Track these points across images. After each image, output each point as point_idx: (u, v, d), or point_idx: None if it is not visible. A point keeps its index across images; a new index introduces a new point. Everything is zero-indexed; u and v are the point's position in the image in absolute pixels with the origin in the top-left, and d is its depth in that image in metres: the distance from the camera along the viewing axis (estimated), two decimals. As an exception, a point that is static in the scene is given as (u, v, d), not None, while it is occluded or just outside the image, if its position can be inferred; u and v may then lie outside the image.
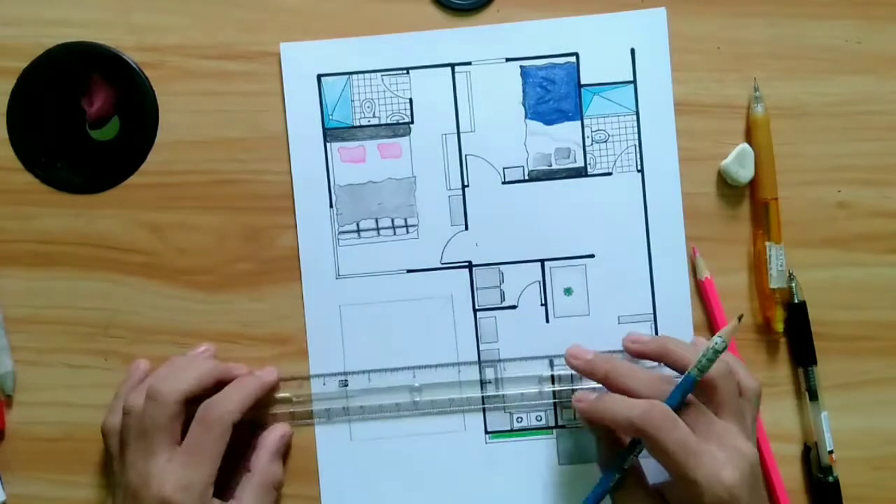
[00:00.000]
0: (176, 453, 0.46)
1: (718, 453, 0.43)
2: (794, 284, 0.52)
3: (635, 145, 0.53)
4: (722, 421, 0.45)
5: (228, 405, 0.47)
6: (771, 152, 0.52)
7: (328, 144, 0.53)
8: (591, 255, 0.53)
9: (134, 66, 0.53)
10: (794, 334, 0.53)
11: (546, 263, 0.53)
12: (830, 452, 0.52)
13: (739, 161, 0.52)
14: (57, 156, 0.53)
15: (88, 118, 0.53)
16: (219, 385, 0.49)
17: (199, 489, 0.46)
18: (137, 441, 0.46)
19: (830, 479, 0.52)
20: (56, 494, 0.52)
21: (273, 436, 0.51)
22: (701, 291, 0.53)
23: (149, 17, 0.53)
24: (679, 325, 0.53)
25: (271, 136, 0.53)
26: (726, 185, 0.53)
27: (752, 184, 0.53)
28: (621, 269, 0.53)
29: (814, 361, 0.52)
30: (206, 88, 0.53)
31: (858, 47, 0.53)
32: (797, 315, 0.53)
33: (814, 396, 0.52)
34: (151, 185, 0.53)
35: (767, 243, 0.52)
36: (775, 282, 0.52)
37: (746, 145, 0.52)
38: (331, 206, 0.53)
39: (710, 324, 0.53)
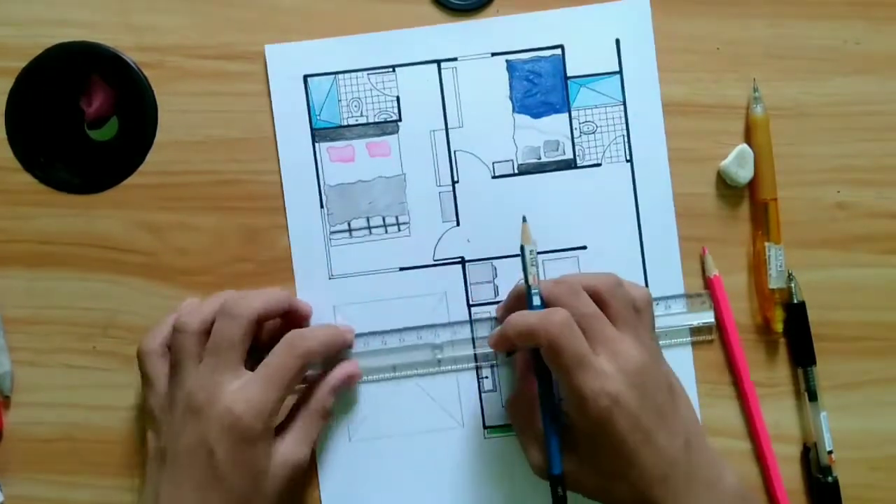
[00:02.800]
0: (250, 374, 0.46)
1: (608, 365, 0.44)
2: (793, 284, 0.52)
3: (623, 135, 0.53)
4: (616, 330, 0.45)
5: (318, 339, 0.48)
6: (770, 153, 0.52)
7: (316, 144, 0.53)
8: (584, 247, 0.53)
9: (133, 66, 0.53)
10: (793, 334, 0.53)
11: (539, 256, 0.53)
12: (830, 453, 0.52)
13: (739, 161, 0.52)
14: (56, 156, 0.53)
15: (87, 118, 0.53)
16: (287, 321, 0.50)
17: (268, 412, 0.45)
18: (208, 356, 0.46)
19: (830, 479, 0.52)
20: (55, 495, 0.52)
21: (340, 372, 0.51)
22: (709, 289, 0.53)
23: (148, 17, 0.53)
24: (672, 313, 0.52)
25: (271, 137, 0.53)
26: (726, 186, 0.53)
27: (752, 184, 0.53)
28: (614, 259, 0.53)
29: (813, 362, 0.52)
30: (205, 89, 0.53)
31: (858, 47, 0.53)
32: (796, 315, 0.53)
33: (813, 397, 0.52)
34: (150, 186, 0.53)
35: (767, 244, 0.52)
36: (774, 282, 0.52)
37: (746, 146, 0.52)
38: (321, 206, 0.53)
39: (718, 321, 0.53)
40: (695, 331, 0.53)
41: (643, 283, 0.53)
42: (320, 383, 0.50)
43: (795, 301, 0.52)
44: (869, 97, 0.53)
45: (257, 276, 0.53)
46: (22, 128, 0.53)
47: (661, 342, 0.51)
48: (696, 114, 0.53)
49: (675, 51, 0.53)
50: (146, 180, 0.53)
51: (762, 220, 0.52)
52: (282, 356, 0.47)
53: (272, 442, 0.47)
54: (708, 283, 0.53)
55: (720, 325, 0.53)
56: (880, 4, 0.53)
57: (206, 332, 0.47)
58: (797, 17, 0.53)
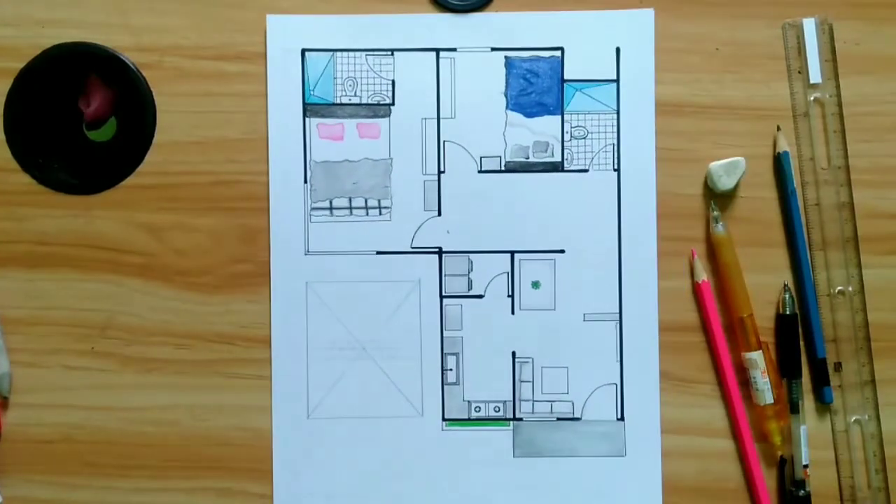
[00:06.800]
0: None
1: None
2: (787, 296, 0.52)
3: (613, 144, 0.53)
4: None
5: None
6: (739, 271, 0.52)
7: (307, 119, 0.53)
8: (562, 251, 0.53)
9: (131, 66, 0.53)
10: (782, 346, 0.52)
11: (516, 255, 0.53)
12: (805, 467, 0.51)
13: (728, 168, 0.52)
14: (54, 156, 0.53)
15: (86, 119, 0.53)
16: None
17: None
18: None
19: (802, 493, 0.51)
20: (53, 496, 0.52)
21: None
22: (697, 294, 0.53)
23: (146, 17, 0.53)
24: (644, 326, 0.53)
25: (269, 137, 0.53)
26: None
27: (726, 300, 0.52)
28: (590, 266, 0.53)
29: (799, 374, 0.52)
30: (204, 89, 0.53)
31: (858, 48, 0.53)
32: (787, 327, 0.52)
33: (794, 409, 0.52)
34: (149, 186, 0.53)
35: (745, 355, 0.52)
36: (761, 398, 0.51)
37: (742, 160, 0.52)
38: (305, 181, 0.53)
39: (704, 326, 0.53)
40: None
41: (616, 294, 0.52)
42: None
43: (788, 312, 0.52)
44: (870, 97, 0.53)
45: (256, 276, 0.53)
46: (20, 128, 0.53)
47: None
48: (696, 114, 0.53)
49: (676, 51, 0.53)
50: (145, 181, 0.53)
51: (740, 333, 0.52)
52: None
53: None
54: (696, 288, 0.53)
55: (707, 331, 0.53)
56: (880, 5, 0.53)
57: None
58: (797, 18, 0.53)
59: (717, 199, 0.53)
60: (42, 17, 0.53)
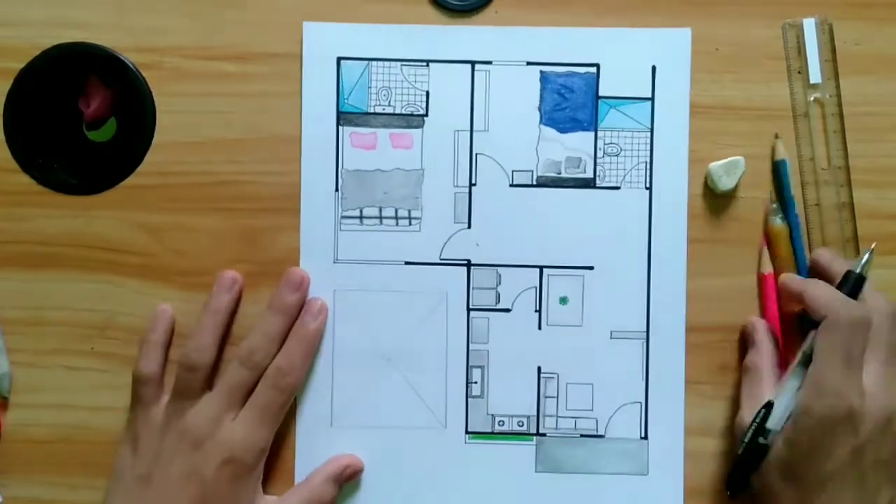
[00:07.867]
0: (243, 411, 0.49)
1: (868, 384, 0.45)
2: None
3: (646, 162, 0.53)
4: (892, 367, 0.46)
5: (299, 370, 0.50)
6: (792, 264, 0.52)
7: (340, 128, 0.53)
8: (591, 267, 0.53)
9: (131, 66, 0.53)
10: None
11: (545, 270, 0.53)
12: None
13: (727, 168, 0.52)
14: (54, 157, 0.53)
15: (85, 119, 0.53)
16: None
17: (259, 448, 0.49)
18: (217, 395, 0.49)
19: None
20: (53, 497, 0.52)
21: (338, 462, 0.51)
22: (760, 286, 0.52)
23: (146, 18, 0.53)
24: (671, 345, 0.52)
25: (269, 137, 0.53)
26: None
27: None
28: (619, 284, 0.52)
29: None
30: (204, 89, 0.53)
31: (858, 48, 0.53)
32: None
33: None
34: (149, 187, 0.53)
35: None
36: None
37: (742, 160, 0.52)
38: (336, 189, 0.53)
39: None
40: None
41: (644, 312, 0.52)
42: (318, 470, 0.51)
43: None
44: (869, 97, 0.53)
45: (255, 276, 0.53)
46: (20, 128, 0.53)
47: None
48: (695, 115, 0.53)
49: (675, 51, 0.53)
50: (144, 181, 0.53)
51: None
52: (269, 396, 0.49)
53: (260, 479, 0.50)
54: (760, 279, 0.52)
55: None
56: (880, 5, 0.53)
57: (213, 365, 0.50)
58: (797, 18, 0.53)
59: (717, 198, 0.53)
60: (42, 17, 0.53)
